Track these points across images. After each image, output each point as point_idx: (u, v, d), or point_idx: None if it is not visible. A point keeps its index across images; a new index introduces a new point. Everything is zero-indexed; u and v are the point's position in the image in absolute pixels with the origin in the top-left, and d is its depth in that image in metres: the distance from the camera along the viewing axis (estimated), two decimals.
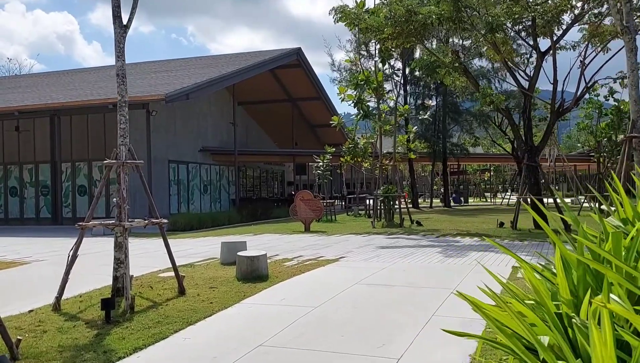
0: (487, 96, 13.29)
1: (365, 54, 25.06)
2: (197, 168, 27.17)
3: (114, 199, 6.02)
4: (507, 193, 50.53)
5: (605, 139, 20.05)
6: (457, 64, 13.37)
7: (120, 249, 5.98)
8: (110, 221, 6.13)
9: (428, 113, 16.70)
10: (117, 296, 5.94)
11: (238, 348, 4.36)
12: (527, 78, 14.16)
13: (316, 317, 5.21)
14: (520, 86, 13.95)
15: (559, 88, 13.50)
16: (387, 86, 18.51)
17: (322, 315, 5.30)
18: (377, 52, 16.48)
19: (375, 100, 16.67)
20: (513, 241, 11.41)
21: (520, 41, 14.24)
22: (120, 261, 5.98)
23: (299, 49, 29.14)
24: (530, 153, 13.79)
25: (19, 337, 4.31)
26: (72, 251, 5.86)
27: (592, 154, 24.05)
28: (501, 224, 14.63)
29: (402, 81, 31.83)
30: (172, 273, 7.51)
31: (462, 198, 39.09)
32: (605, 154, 20.83)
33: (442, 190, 44.87)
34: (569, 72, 13.81)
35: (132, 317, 5.28)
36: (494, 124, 35.77)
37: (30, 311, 5.66)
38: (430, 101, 17.41)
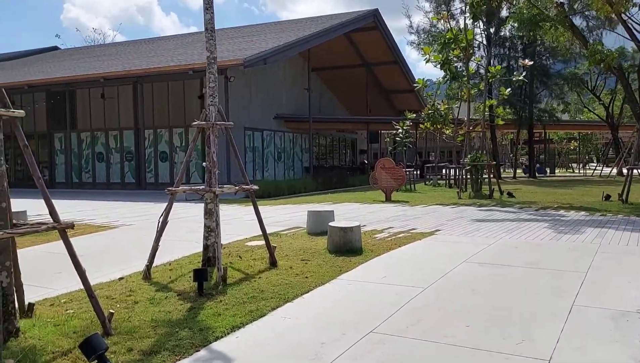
0: (597, 53, 11.74)
1: (446, 13, 23.32)
2: (272, 135, 27.00)
3: (204, 163, 5.54)
4: (595, 164, 46.73)
5: None
6: (563, 17, 11.85)
7: (211, 216, 5.58)
8: (200, 187, 5.73)
9: (523, 74, 15.14)
10: (208, 265, 5.58)
11: (346, 333, 3.80)
12: None
13: (430, 301, 4.55)
14: (637, 42, 12.21)
15: None
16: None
17: (437, 298, 4.63)
18: (466, 7, 15.10)
19: (464, 61, 15.38)
20: (628, 216, 10.09)
21: None
22: (211, 229, 5.59)
23: (376, 10, 27.84)
24: None
25: (111, 311, 3.98)
26: (162, 217, 5.53)
27: None
28: (607, 198, 13.14)
29: (485, 43, 29.76)
30: (259, 242, 7.12)
31: (547, 169, 36.59)
32: None
33: (521, 160, 42.32)
34: None
35: (225, 290, 4.87)
36: (587, 88, 32.89)
37: (121, 278, 5.42)
38: (527, 60, 15.78)
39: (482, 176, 15.47)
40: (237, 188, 5.80)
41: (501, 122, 19.07)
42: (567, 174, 36.93)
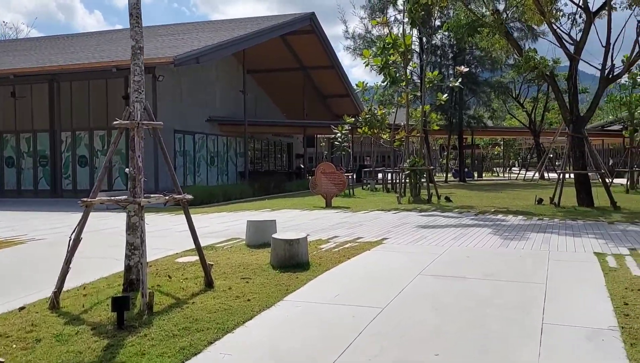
0: (531, 60, 11.91)
1: (385, 17, 23.32)
2: (204, 138, 25.88)
3: (127, 169, 4.70)
4: (517, 168, 49.07)
5: (638, 111, 18.62)
6: (499, 24, 11.92)
7: (135, 231, 4.78)
8: (122, 197, 4.92)
9: (459, 81, 15.23)
10: (131, 290, 4.77)
11: None
12: (571, 42, 12.72)
13: (391, 323, 4.04)
14: (566, 50, 12.53)
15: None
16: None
17: (398, 320, 4.12)
18: (403, 13, 14.99)
19: (402, 66, 15.25)
20: (564, 220, 10.21)
21: (565, 0, 12.66)
22: (135, 247, 4.78)
23: (313, 13, 27.49)
24: (575, 124, 12.48)
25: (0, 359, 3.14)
26: (74, 233, 4.66)
27: (621, 127, 22.64)
28: (539, 201, 13.42)
29: (419, 50, 30.24)
30: (193, 258, 6.35)
31: (474, 173, 37.82)
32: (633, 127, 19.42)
33: (451, 164, 43.58)
34: (619, 34, 12.38)
35: (152, 320, 4.11)
36: (511, 96, 34.33)
37: (22, 308, 4.49)
38: (462, 67, 15.92)
39: (420, 181, 15.40)
40: (167, 197, 5.04)
41: (436, 128, 19.23)
42: (493, 178, 38.38)
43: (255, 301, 4.63)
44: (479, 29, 11.76)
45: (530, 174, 31.76)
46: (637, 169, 19.56)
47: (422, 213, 12.03)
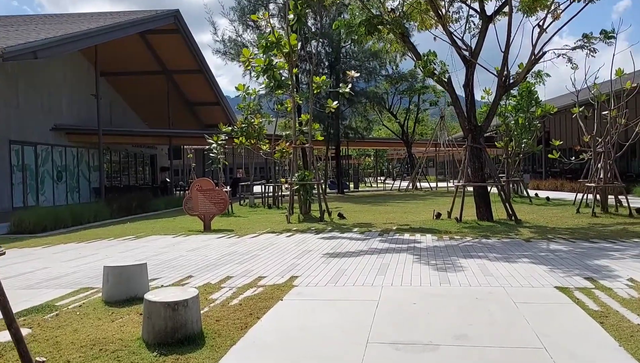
0: (430, 63, 11.13)
1: (267, 12, 21.66)
2: (49, 150, 21.88)
3: None
4: (383, 178, 50.67)
5: (513, 121, 19.31)
6: (397, 23, 10.93)
7: None
8: None
9: (349, 86, 14.10)
10: None
11: None
12: (465, 48, 12.27)
13: None
14: (461, 55, 12.01)
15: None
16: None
17: None
18: (287, 9, 13.47)
19: (288, 68, 13.68)
20: (477, 238, 9.38)
21: (459, 4, 12.21)
22: None
23: (177, 11, 24.91)
24: (474, 133, 11.98)
25: None
26: None
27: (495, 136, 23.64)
28: (438, 216, 12.71)
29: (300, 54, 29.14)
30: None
31: (350, 184, 37.80)
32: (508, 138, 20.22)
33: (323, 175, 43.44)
34: (512, 38, 12.15)
35: None
36: (385, 108, 34.90)
37: None
38: (353, 72, 14.84)
39: (311, 196, 13.93)
40: None
41: (320, 138, 18.03)
42: (368, 188, 38.74)
43: None
44: (378, 26, 10.62)
45: (404, 184, 32.33)
46: (515, 178, 20.28)
47: (321, 235, 10.51)
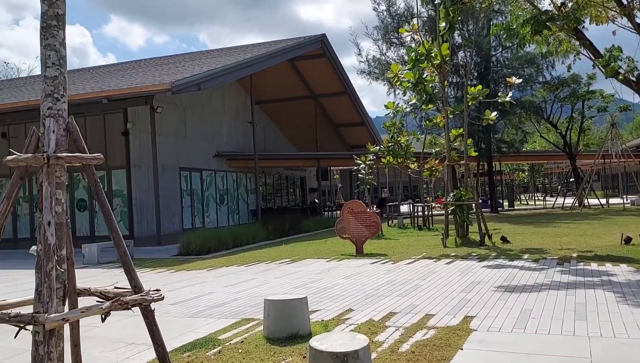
0: (614, 59, 9.46)
1: (415, 24, 21.08)
2: (212, 175, 23.60)
3: (32, 249, 2.07)
4: (540, 194, 45.85)
5: None
6: (570, 18, 9.52)
7: None
8: (14, 312, 2.44)
9: (510, 95, 12.77)
10: None
11: None
12: None
13: None
14: None
15: None
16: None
17: None
18: (437, 17, 12.68)
19: (439, 81, 12.87)
20: None
21: None
22: None
23: (324, 35, 25.51)
24: None
25: None
26: None
27: None
28: (627, 240, 10.72)
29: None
30: None
31: (504, 202, 35.01)
32: None
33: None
34: None
35: None
36: (543, 118, 31.82)
37: None
38: (514, 78, 13.49)
39: (467, 217, 12.80)
40: (107, 304, 2.55)
41: (474, 154, 16.73)
42: (525, 206, 35.50)
43: None
44: (548, 23, 9.32)
45: (569, 201, 28.94)
46: None
47: (485, 262, 9.41)
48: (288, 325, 4.88)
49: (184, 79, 15.27)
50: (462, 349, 4.33)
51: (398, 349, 4.42)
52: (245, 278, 8.79)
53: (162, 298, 2.70)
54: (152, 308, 2.68)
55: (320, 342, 3.59)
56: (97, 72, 24.10)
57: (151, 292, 2.65)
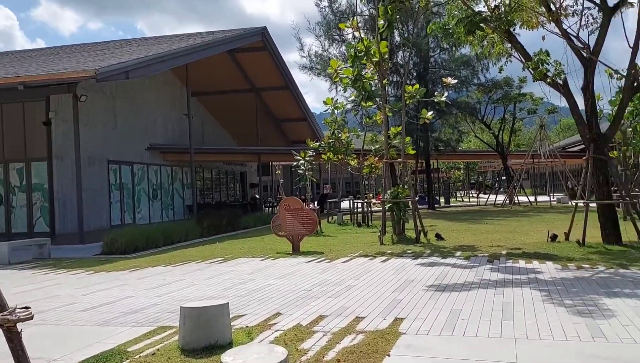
0: (542, 63, 9.69)
1: (355, 20, 20.92)
2: (145, 169, 22.54)
3: None
4: (474, 192, 47.70)
5: (630, 128, 16.92)
6: (502, 21, 9.65)
7: None
8: None
9: (445, 95, 12.90)
10: None
11: None
12: (583, 46, 10.63)
13: None
14: (579, 55, 10.41)
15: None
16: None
17: None
18: (377, 15, 12.57)
19: (378, 78, 12.77)
20: (612, 267, 7.79)
21: None
22: None
23: (264, 28, 24.96)
24: (596, 143, 10.29)
25: None
26: None
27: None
28: (554, 238, 11.07)
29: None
30: None
31: (440, 199, 35.89)
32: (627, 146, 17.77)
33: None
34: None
35: None
36: (478, 119, 32.86)
37: None
38: (450, 78, 13.64)
39: (404, 215, 12.82)
40: None
41: (412, 151, 16.86)
42: (459, 203, 36.58)
43: None
44: (480, 24, 9.39)
45: (500, 198, 30.03)
46: (637, 192, 17.78)
47: (420, 260, 9.38)
48: (206, 334, 4.48)
49: (111, 66, 14.35)
50: (389, 355, 4.12)
51: (323, 357, 4.15)
52: (170, 280, 8.27)
53: (31, 318, 2.26)
54: (19, 330, 2.24)
55: (234, 358, 3.25)
56: (17, 56, 22.39)
57: (18, 310, 2.21)
